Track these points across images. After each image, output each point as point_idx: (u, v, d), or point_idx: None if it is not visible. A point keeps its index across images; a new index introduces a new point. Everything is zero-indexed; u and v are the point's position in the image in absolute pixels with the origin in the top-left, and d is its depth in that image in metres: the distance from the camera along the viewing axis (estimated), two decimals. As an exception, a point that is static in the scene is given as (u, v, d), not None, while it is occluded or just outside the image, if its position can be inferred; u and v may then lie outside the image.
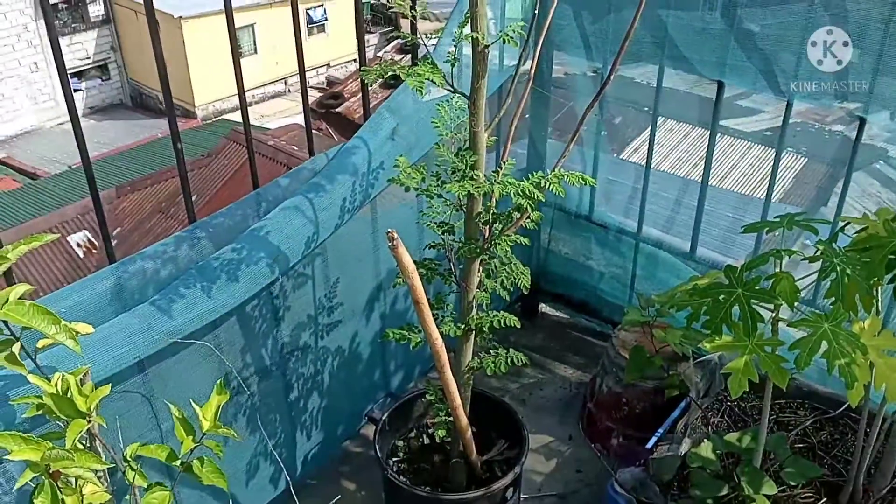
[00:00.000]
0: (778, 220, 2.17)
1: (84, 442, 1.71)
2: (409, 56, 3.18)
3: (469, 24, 2.01)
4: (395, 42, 19.90)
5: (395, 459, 2.95)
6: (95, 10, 22.87)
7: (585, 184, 2.21)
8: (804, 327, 1.90)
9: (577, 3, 3.22)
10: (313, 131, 2.94)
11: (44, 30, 19.46)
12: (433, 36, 2.68)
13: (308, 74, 2.89)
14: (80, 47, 22.70)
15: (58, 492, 1.54)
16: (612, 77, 2.31)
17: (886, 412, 2.30)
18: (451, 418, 2.58)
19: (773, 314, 2.07)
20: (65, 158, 18.95)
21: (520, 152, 3.71)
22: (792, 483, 2.46)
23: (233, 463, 2.73)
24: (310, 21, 23.38)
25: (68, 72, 2.11)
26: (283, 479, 2.95)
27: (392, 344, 3.20)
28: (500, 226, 2.29)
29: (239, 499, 2.81)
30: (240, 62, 2.45)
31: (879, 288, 1.99)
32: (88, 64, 23.13)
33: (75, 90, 22.22)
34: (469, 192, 2.15)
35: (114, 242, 2.43)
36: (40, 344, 1.75)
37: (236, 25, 2.43)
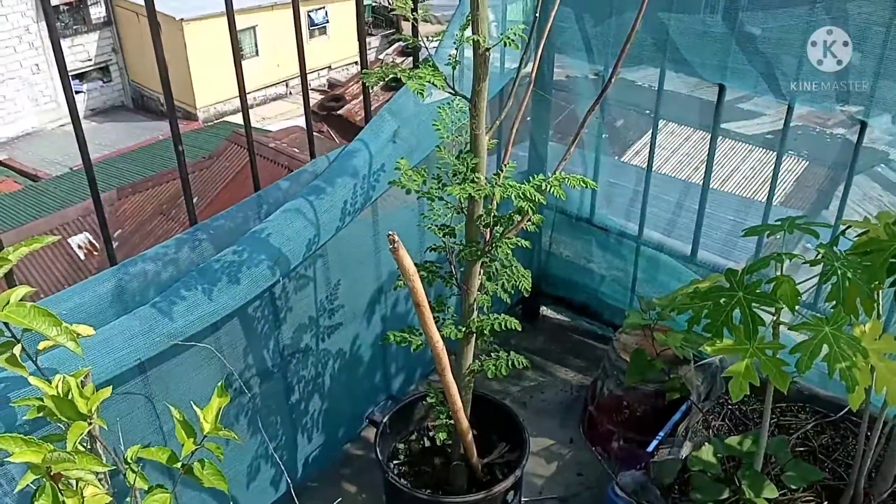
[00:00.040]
0: (779, 223, 2.17)
1: (85, 444, 1.71)
2: (410, 58, 3.18)
3: (470, 27, 2.01)
4: (396, 44, 19.90)
5: (395, 462, 2.95)
6: (97, 12, 22.89)
7: (586, 187, 2.21)
8: (805, 331, 1.90)
9: (579, 6, 3.23)
10: (314, 133, 2.95)
11: (45, 31, 19.49)
12: (434, 38, 2.68)
13: (309, 77, 2.90)
14: (82, 49, 22.72)
15: (59, 494, 1.54)
16: (613, 80, 2.32)
17: (887, 416, 2.30)
18: (451, 421, 2.58)
19: (774, 318, 2.07)
20: (66, 160, 18.94)
21: (521, 155, 3.71)
22: (793, 487, 2.46)
23: (234, 465, 2.73)
24: (311, 23, 23.39)
25: (70, 73, 2.11)
26: (283, 481, 2.95)
27: (393, 346, 3.20)
28: (501, 228, 2.30)
29: (240, 501, 2.81)
30: (241, 64, 2.45)
31: (880, 292, 1.99)
32: (90, 66, 23.15)
33: (76, 92, 22.23)
34: (470, 194, 2.15)
35: (115, 244, 2.43)
36: (41, 346, 1.75)
37: (238, 27, 2.43)
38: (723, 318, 1.96)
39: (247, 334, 2.60)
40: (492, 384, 3.57)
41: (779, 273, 2.01)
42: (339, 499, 3.15)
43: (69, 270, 11.17)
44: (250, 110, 2.63)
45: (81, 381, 1.70)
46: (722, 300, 1.98)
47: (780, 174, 3.14)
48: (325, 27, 23.87)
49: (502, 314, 2.45)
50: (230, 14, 2.37)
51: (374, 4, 25.29)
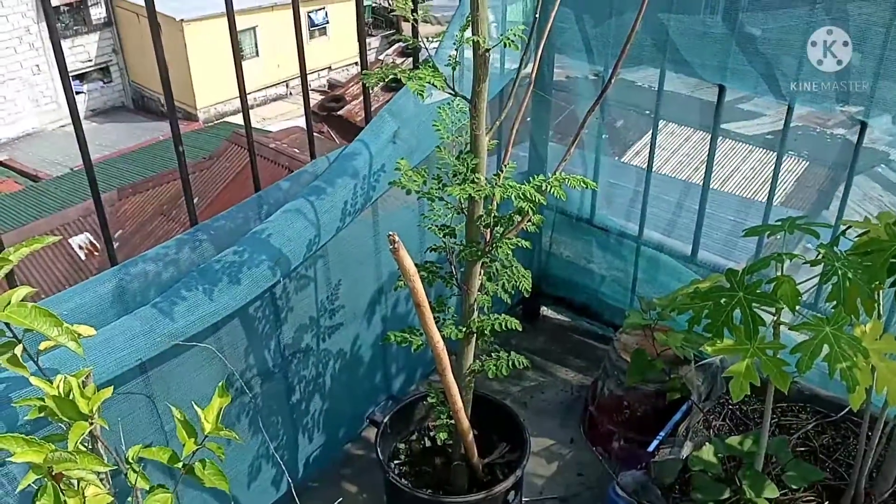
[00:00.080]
0: (779, 223, 2.18)
1: (86, 444, 1.71)
2: (410, 59, 3.18)
3: (470, 28, 2.01)
4: (396, 45, 19.89)
5: (396, 462, 2.95)
6: (97, 13, 22.89)
7: (587, 187, 2.22)
8: (806, 331, 1.90)
9: (579, 7, 3.23)
10: (315, 134, 2.95)
11: (46, 32, 19.47)
12: (434, 39, 2.68)
13: (309, 77, 2.90)
14: (82, 50, 22.72)
15: (60, 494, 1.54)
16: (613, 80, 2.32)
17: (888, 416, 2.30)
18: (452, 421, 2.58)
19: (775, 318, 2.07)
20: (66, 161, 18.95)
21: (521, 155, 3.71)
22: (793, 487, 2.46)
23: (235, 465, 2.73)
24: (311, 24, 23.39)
25: (70, 74, 2.11)
26: (284, 481, 2.95)
27: (393, 346, 3.20)
28: (502, 229, 2.30)
29: (241, 501, 2.81)
30: (241, 65, 2.45)
31: (881, 292, 1.99)
32: (90, 66, 23.16)
33: (77, 93, 22.24)
34: (470, 195, 2.15)
35: (115, 245, 2.44)
36: (42, 346, 1.75)
37: (238, 28, 2.43)
38: (723, 319, 1.97)
39: (248, 334, 2.60)
40: (492, 384, 3.57)
41: (779, 273, 2.01)
42: (340, 499, 3.15)
43: (70, 271, 11.17)
44: (250, 111, 2.63)
45: (83, 382, 1.70)
46: (722, 300, 1.98)
47: (780, 174, 3.14)
48: (325, 28, 23.88)
49: (503, 314, 2.45)
50: (230, 15, 2.37)
51: (374, 5, 25.29)
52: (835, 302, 1.91)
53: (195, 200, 2.54)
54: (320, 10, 23.57)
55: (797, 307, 1.98)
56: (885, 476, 2.41)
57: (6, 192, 16.05)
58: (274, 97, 23.54)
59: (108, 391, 1.72)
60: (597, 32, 3.24)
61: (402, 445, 3.01)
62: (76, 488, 1.61)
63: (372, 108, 2.89)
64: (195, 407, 1.82)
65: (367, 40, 2.89)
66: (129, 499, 1.79)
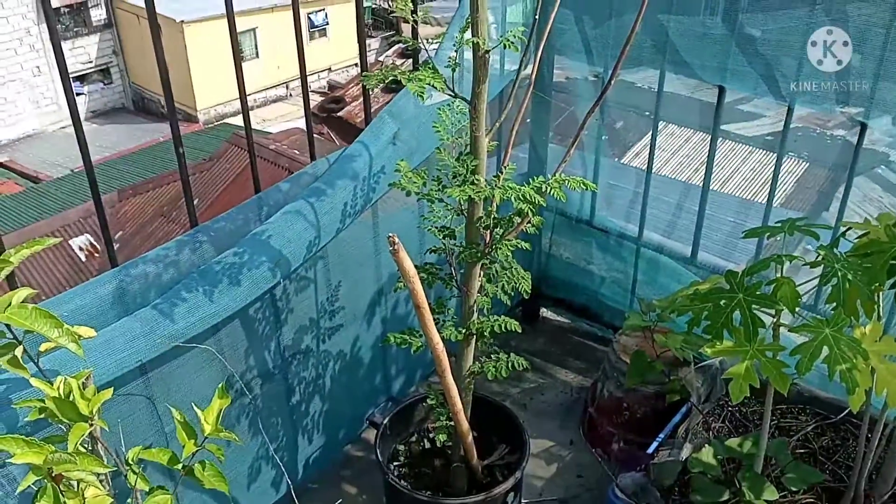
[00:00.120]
0: (779, 225, 2.18)
1: (86, 445, 1.71)
2: (410, 60, 3.19)
3: (470, 29, 2.01)
4: (396, 46, 19.89)
5: (396, 464, 2.95)
6: (97, 15, 22.90)
7: (586, 189, 2.22)
8: (805, 332, 1.90)
9: (579, 8, 3.23)
10: (315, 135, 2.95)
11: (46, 34, 19.50)
12: (434, 41, 2.69)
13: (310, 78, 2.90)
14: (83, 51, 22.73)
15: (60, 495, 1.54)
16: (613, 82, 2.32)
17: (888, 418, 2.30)
18: (451, 423, 2.58)
19: (775, 319, 2.07)
20: (67, 162, 18.95)
21: (521, 157, 3.71)
22: (793, 488, 2.46)
23: (234, 466, 2.73)
24: (311, 25, 23.40)
25: (70, 76, 2.11)
26: (284, 482, 2.95)
27: (393, 348, 3.20)
28: (501, 230, 2.30)
29: (240, 502, 2.81)
30: (241, 66, 2.45)
31: (881, 293, 1.99)
32: (91, 68, 23.16)
33: (77, 94, 22.24)
34: (470, 196, 2.15)
35: (116, 246, 2.44)
36: (43, 347, 1.75)
37: (238, 29, 2.43)
38: (723, 320, 1.97)
39: (248, 336, 2.60)
40: (492, 386, 3.57)
41: (779, 275, 2.01)
42: (340, 500, 3.15)
43: (70, 272, 11.17)
44: (250, 112, 2.63)
45: (83, 383, 1.70)
46: (722, 302, 1.98)
47: (780, 176, 3.14)
48: (325, 29, 23.88)
49: (502, 316, 2.45)
50: (230, 16, 2.37)
51: (374, 6, 25.30)
52: (834, 304, 1.91)
53: (195, 202, 2.54)
54: (320, 11, 23.58)
55: (797, 309, 1.98)
56: (884, 478, 2.41)
57: (6, 193, 16.05)
58: (274, 98, 23.54)
59: (108, 392, 1.72)
60: (596, 34, 3.25)
61: (401, 447, 3.01)
62: (76, 489, 1.62)
63: (372, 110, 2.89)
64: (195, 408, 1.82)
65: (367, 41, 2.89)
66: (129, 500, 1.79)
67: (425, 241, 3.00)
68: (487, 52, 2.04)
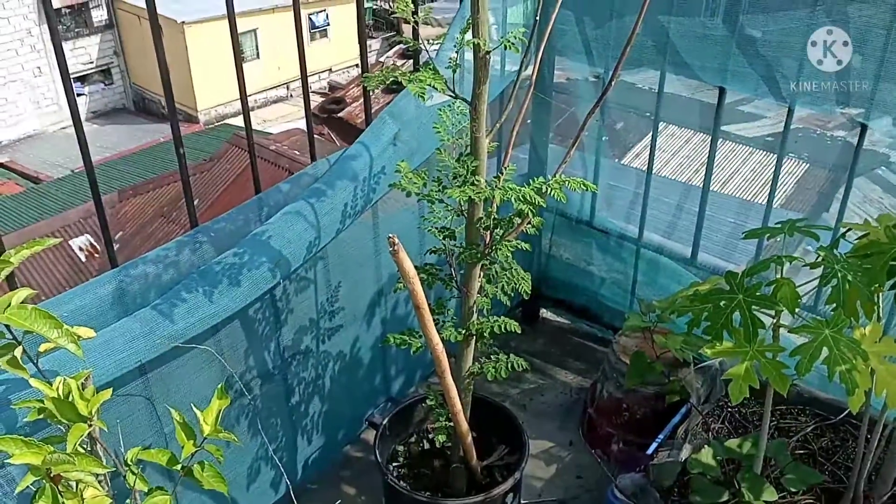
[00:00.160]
0: (779, 226, 2.18)
1: (85, 446, 1.71)
2: (410, 61, 3.19)
3: (471, 30, 2.01)
4: (397, 47, 19.87)
5: (395, 464, 2.95)
6: (98, 15, 22.91)
7: (587, 189, 2.22)
8: (805, 333, 1.90)
9: (579, 9, 3.23)
10: (315, 136, 2.95)
11: (47, 34, 19.48)
12: (435, 41, 2.69)
13: (310, 79, 2.90)
14: (84, 52, 22.74)
15: (59, 495, 1.54)
16: (613, 82, 2.32)
17: (887, 419, 2.30)
18: (451, 423, 2.58)
19: (774, 320, 2.07)
20: (67, 162, 18.95)
21: (521, 157, 3.71)
22: (792, 489, 2.46)
23: (234, 467, 2.73)
24: (312, 26, 23.40)
25: (71, 76, 2.11)
26: (283, 483, 2.95)
27: (393, 349, 3.19)
28: (501, 231, 2.30)
29: (239, 503, 2.81)
30: (242, 67, 2.45)
31: (880, 294, 1.99)
32: (91, 68, 23.16)
33: (78, 94, 22.25)
34: (470, 197, 2.15)
35: (116, 247, 2.44)
36: (42, 348, 1.75)
37: (239, 30, 2.43)
38: (723, 321, 1.97)
39: (247, 336, 2.60)
40: (491, 387, 3.57)
41: (779, 276, 2.01)
42: (339, 501, 3.15)
43: (70, 273, 11.18)
44: (251, 113, 2.63)
45: (82, 384, 1.70)
46: (722, 303, 1.98)
47: (780, 177, 3.14)
48: (325, 30, 23.88)
49: (502, 317, 2.45)
50: (231, 17, 2.37)
51: (374, 7, 25.31)
52: (834, 305, 1.91)
53: (195, 202, 2.54)
54: (321, 12, 23.59)
55: (797, 310, 1.98)
56: (883, 479, 2.41)
57: (7, 193, 16.05)
58: (274, 99, 23.55)
59: (107, 393, 1.72)
60: (597, 34, 3.25)
61: (400, 447, 3.01)
62: (75, 490, 1.62)
63: (372, 111, 2.89)
64: (194, 409, 1.82)
65: (368, 42, 2.89)
66: (128, 501, 1.79)
67: (425, 242, 3.00)
68: (488, 53, 2.04)
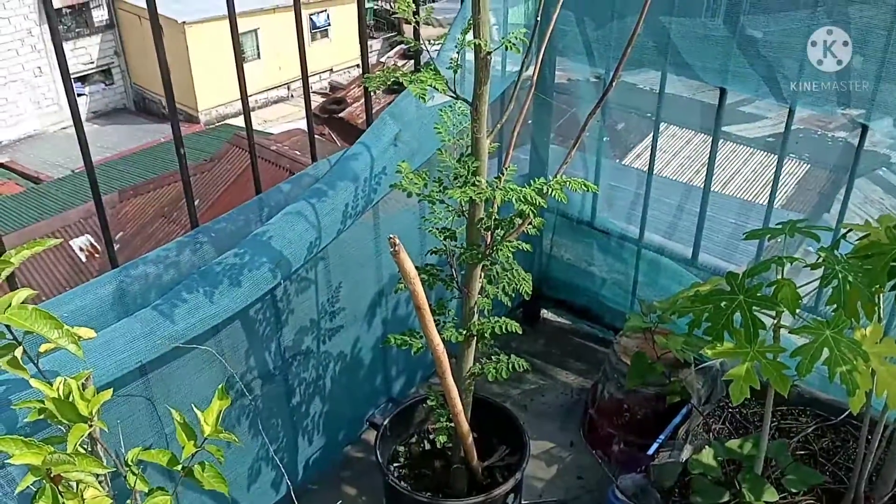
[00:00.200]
0: (780, 226, 2.18)
1: (85, 446, 1.71)
2: (411, 62, 3.18)
3: (472, 31, 2.01)
4: (398, 47, 19.89)
5: (396, 465, 2.95)
6: (99, 15, 22.92)
7: (588, 190, 2.22)
8: (806, 334, 1.90)
9: (580, 10, 3.23)
10: (316, 136, 2.95)
11: (48, 34, 19.52)
12: (436, 42, 2.69)
13: (311, 79, 2.90)
14: (84, 52, 22.74)
15: (59, 496, 1.54)
16: (614, 83, 2.32)
17: (888, 419, 2.30)
18: (452, 424, 2.58)
19: (775, 321, 2.07)
20: (68, 163, 18.95)
21: (522, 158, 3.71)
22: (793, 490, 2.46)
23: (234, 467, 2.73)
24: (313, 26, 23.40)
25: (72, 76, 2.11)
26: (284, 483, 2.95)
27: (393, 349, 3.20)
28: (502, 232, 2.30)
29: (240, 503, 2.81)
30: (243, 67, 2.45)
31: (881, 295, 1.99)
32: (92, 68, 23.17)
33: (79, 95, 22.25)
34: (471, 197, 2.15)
35: (116, 247, 2.44)
36: (42, 348, 1.75)
37: (239, 30, 2.43)
38: (723, 322, 1.97)
39: (248, 337, 2.60)
40: (492, 387, 3.57)
41: (780, 276, 2.01)
42: (340, 501, 3.15)
43: (70, 273, 11.18)
44: (252, 113, 2.63)
45: (82, 384, 1.70)
46: (723, 303, 1.98)
47: (781, 177, 3.14)
48: (326, 30, 23.89)
49: (503, 317, 2.45)
50: (232, 17, 2.37)
51: (375, 7, 25.31)
52: (835, 305, 1.91)
53: (196, 202, 2.54)
54: (322, 12, 23.59)
55: (797, 310, 1.98)
56: (884, 480, 2.41)
57: (7, 193, 16.06)
58: (275, 99, 23.56)
59: (107, 393, 1.72)
60: (598, 35, 3.25)
61: (401, 448, 3.00)
62: (75, 490, 1.61)
63: (373, 111, 2.89)
64: (195, 409, 1.82)
65: (369, 43, 2.89)
66: (129, 501, 1.79)
67: (426, 243, 3.00)
68: (489, 53, 2.04)
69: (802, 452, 2.69)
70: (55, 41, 2.06)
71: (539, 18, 2.25)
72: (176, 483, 1.81)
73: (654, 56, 3.07)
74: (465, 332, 2.45)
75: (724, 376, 2.07)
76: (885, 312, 2.44)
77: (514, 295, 2.43)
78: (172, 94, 2.32)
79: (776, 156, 3.32)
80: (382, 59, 20.74)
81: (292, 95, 23.75)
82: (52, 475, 1.54)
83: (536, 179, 2.20)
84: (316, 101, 17.27)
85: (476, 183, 2.18)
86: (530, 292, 2.42)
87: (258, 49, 22.33)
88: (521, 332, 2.46)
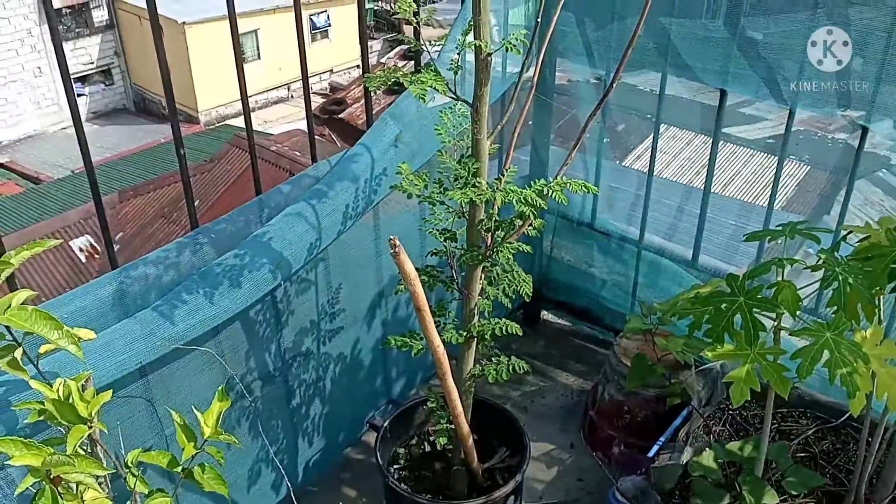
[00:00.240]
0: (780, 228, 2.17)
1: (85, 447, 1.71)
2: (412, 62, 3.18)
3: (472, 32, 2.01)
4: (398, 48, 19.90)
5: (396, 467, 2.94)
6: (99, 16, 22.92)
7: (588, 191, 2.22)
8: (806, 336, 1.90)
9: (581, 11, 3.23)
10: (316, 137, 2.95)
11: (48, 34, 19.50)
12: (437, 43, 2.69)
13: (311, 80, 2.90)
14: (84, 52, 22.75)
15: (59, 497, 1.54)
16: (615, 84, 2.32)
17: (888, 422, 2.30)
18: (452, 426, 2.58)
19: (776, 323, 2.07)
20: (67, 163, 18.96)
21: (522, 159, 3.71)
22: (793, 492, 2.45)
23: (234, 469, 2.73)
24: (313, 27, 23.41)
25: (72, 76, 2.11)
26: (284, 485, 2.95)
27: (394, 351, 3.20)
28: (503, 233, 2.30)
29: (240, 505, 2.81)
30: (243, 68, 2.45)
31: (881, 297, 1.99)
32: (92, 69, 23.18)
33: (78, 95, 22.26)
34: (471, 199, 2.15)
35: (116, 247, 2.44)
36: (42, 349, 1.75)
37: (240, 31, 2.43)
38: (724, 324, 1.96)
39: (248, 338, 2.60)
40: (492, 389, 3.57)
41: (780, 278, 2.01)
42: (340, 503, 3.15)
43: (70, 273, 11.18)
44: (252, 113, 2.63)
45: (82, 385, 1.70)
46: (723, 305, 1.98)
47: (781, 179, 3.14)
48: (326, 31, 23.89)
49: (503, 319, 2.45)
50: (232, 17, 2.37)
51: (376, 8, 25.32)
52: (835, 307, 1.90)
53: (196, 203, 2.54)
54: (322, 12, 23.60)
55: (798, 312, 1.98)
56: (885, 482, 2.41)
57: (7, 194, 16.06)
58: (275, 100, 23.56)
59: (107, 395, 1.71)
60: (598, 36, 3.25)
61: (401, 450, 3.00)
62: (75, 492, 1.61)
63: (374, 112, 2.89)
64: (195, 411, 1.82)
65: (369, 43, 2.89)
66: (129, 503, 1.78)
67: (426, 244, 3.00)
68: (489, 54, 2.04)
69: (803, 455, 2.69)
70: (55, 41, 2.06)
71: (539, 20, 2.25)
72: (176, 485, 1.81)
73: (655, 57, 3.07)
74: (465, 334, 2.45)
75: (725, 378, 2.07)
76: (885, 314, 2.44)
77: (514, 296, 2.43)
78: (172, 95, 2.31)
79: (776, 157, 3.32)
80: (383, 60, 20.76)
81: (292, 96, 23.75)
82: (51, 476, 1.54)
83: (537, 181, 2.20)
84: (316, 101, 17.27)
85: (476, 184, 2.18)
86: (531, 294, 2.42)
87: (258, 49, 22.34)
88: (521, 334, 2.46)
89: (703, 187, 3.31)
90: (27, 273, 10.84)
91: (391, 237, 2.02)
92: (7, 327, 1.63)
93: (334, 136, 14.89)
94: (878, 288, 1.91)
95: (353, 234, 2.75)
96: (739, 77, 2.88)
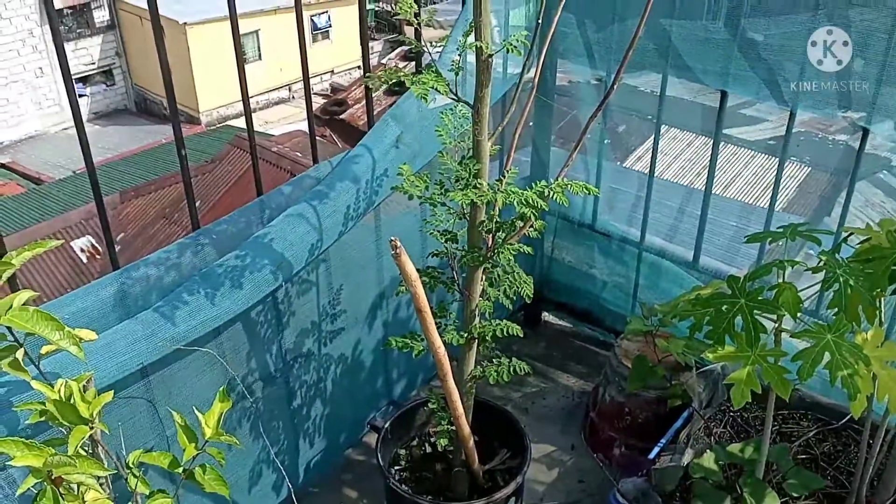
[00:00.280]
0: (781, 230, 2.17)
1: (86, 448, 1.71)
2: (413, 63, 3.19)
3: (473, 33, 2.01)
4: (399, 49, 19.91)
5: (396, 468, 2.95)
6: (100, 16, 22.93)
7: (589, 193, 2.22)
8: (807, 338, 1.90)
9: (581, 12, 3.23)
10: (317, 138, 2.95)
11: (49, 35, 19.52)
12: (438, 44, 2.69)
13: (312, 81, 2.90)
14: (85, 53, 22.76)
15: (60, 498, 1.54)
16: (615, 85, 2.32)
17: (889, 423, 2.30)
18: (453, 427, 2.58)
19: (776, 325, 2.07)
20: (69, 164, 18.96)
21: (523, 160, 3.71)
22: (794, 494, 2.45)
23: (235, 470, 2.73)
24: (314, 27, 23.41)
25: (73, 77, 2.11)
26: (285, 486, 2.95)
27: (395, 352, 3.20)
28: (504, 234, 2.30)
29: (240, 506, 2.81)
30: (244, 68, 2.45)
31: (882, 299, 1.99)
32: (93, 69, 23.19)
33: (80, 95, 22.25)
34: (472, 200, 2.15)
35: (117, 248, 2.44)
36: (44, 350, 1.75)
37: (241, 32, 2.43)
38: (725, 325, 1.96)
39: (249, 339, 2.60)
40: (493, 390, 3.57)
41: (781, 280, 2.01)
42: (340, 504, 3.15)
43: (72, 274, 11.18)
44: (253, 114, 2.63)
45: (84, 386, 1.70)
46: (724, 307, 1.98)
47: (782, 180, 3.14)
48: (328, 31, 23.90)
49: (504, 320, 2.45)
50: (233, 18, 2.37)
51: (377, 9, 25.32)
52: (836, 309, 1.90)
53: (197, 204, 2.54)
54: (323, 13, 23.60)
55: (799, 314, 1.98)
56: (885, 484, 2.41)
57: (8, 194, 16.07)
58: (276, 101, 23.56)
59: (108, 395, 1.72)
60: (599, 37, 3.25)
61: (402, 451, 3.00)
62: (76, 492, 1.61)
63: (375, 113, 2.89)
64: (196, 412, 1.82)
65: (370, 44, 2.89)
66: (129, 503, 1.79)
67: (427, 245, 3.00)
68: (490, 55, 2.04)
69: (804, 456, 2.69)
70: (56, 42, 2.06)
71: (540, 21, 2.25)
72: (177, 485, 1.81)
73: (655, 58, 3.07)
74: (466, 335, 2.45)
75: (726, 380, 2.07)
76: (886, 316, 2.44)
77: (515, 298, 2.43)
78: (174, 95, 2.32)
79: (777, 159, 3.32)
80: (384, 61, 20.76)
81: (293, 97, 23.76)
82: (53, 477, 1.54)
83: (538, 182, 2.21)
84: (317, 102, 17.28)
85: (477, 185, 2.18)
86: (531, 295, 2.42)
87: (259, 50, 22.34)
88: (522, 335, 2.46)
89: (703, 189, 3.31)
90: (28, 274, 10.85)
91: (392, 238, 2.03)
92: (8, 328, 1.63)
93: (335, 136, 14.90)
94: (878, 290, 1.91)
95: (354, 235, 2.75)
96: (740, 78, 2.88)
